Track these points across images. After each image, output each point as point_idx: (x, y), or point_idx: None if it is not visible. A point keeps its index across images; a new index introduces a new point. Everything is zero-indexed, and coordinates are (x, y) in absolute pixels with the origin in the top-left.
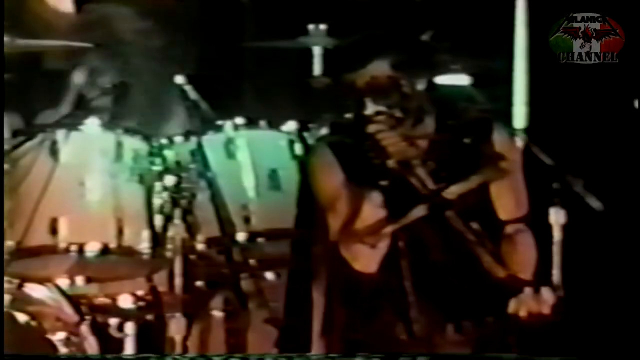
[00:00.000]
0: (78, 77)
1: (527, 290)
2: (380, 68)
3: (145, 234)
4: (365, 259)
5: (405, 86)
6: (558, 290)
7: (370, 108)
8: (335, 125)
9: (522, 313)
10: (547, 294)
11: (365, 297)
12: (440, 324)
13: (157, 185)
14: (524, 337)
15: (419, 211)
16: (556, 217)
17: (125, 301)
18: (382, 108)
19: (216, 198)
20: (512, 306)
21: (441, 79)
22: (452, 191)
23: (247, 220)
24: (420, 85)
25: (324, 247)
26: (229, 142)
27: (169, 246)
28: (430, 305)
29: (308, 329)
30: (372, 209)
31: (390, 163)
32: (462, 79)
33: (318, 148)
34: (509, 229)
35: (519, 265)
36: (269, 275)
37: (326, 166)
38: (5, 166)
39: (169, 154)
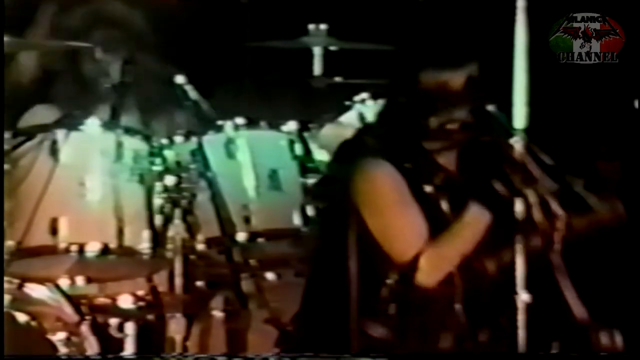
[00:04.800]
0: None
1: None
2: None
3: (146, 234)
4: (441, 275)
5: None
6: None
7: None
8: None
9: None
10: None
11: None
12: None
13: (157, 185)
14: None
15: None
16: None
17: (126, 301)
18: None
19: (216, 198)
20: None
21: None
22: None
23: (247, 220)
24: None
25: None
26: (229, 142)
27: (169, 246)
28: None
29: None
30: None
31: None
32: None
33: (374, 161)
34: None
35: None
36: (269, 275)
37: (391, 176)
38: (5, 166)
39: (169, 154)
